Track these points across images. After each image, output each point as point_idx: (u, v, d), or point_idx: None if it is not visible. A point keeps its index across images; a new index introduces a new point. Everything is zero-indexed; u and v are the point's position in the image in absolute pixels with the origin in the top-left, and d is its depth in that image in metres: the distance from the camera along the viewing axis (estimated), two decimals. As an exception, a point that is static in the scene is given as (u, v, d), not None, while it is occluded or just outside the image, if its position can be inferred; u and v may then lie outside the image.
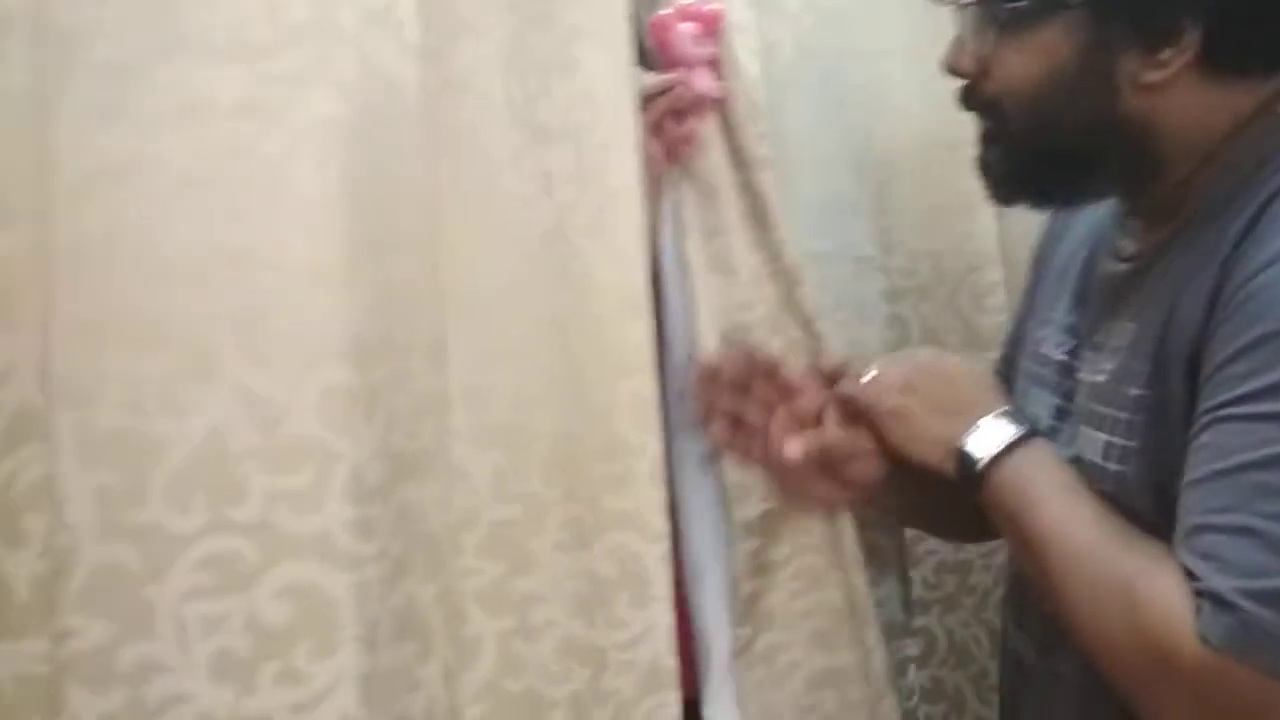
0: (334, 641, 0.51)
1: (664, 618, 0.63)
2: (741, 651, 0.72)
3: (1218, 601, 0.54)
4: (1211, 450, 0.56)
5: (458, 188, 0.62)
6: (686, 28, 0.66)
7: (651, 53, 0.67)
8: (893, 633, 0.87)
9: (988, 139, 0.69)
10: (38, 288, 0.46)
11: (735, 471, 0.73)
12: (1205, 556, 0.55)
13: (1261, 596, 0.52)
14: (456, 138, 0.62)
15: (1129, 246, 0.67)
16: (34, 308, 0.46)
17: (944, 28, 0.84)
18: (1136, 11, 0.60)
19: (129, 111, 0.48)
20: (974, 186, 0.87)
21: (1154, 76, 0.61)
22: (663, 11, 0.67)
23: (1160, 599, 0.57)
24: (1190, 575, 0.55)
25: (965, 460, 0.67)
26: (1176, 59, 0.60)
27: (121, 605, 0.48)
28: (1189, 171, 0.62)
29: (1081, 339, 0.70)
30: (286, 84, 0.51)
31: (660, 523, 0.64)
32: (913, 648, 0.88)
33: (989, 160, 0.69)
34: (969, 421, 0.68)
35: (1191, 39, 0.59)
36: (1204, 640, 0.54)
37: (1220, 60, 0.60)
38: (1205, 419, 0.57)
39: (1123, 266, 0.67)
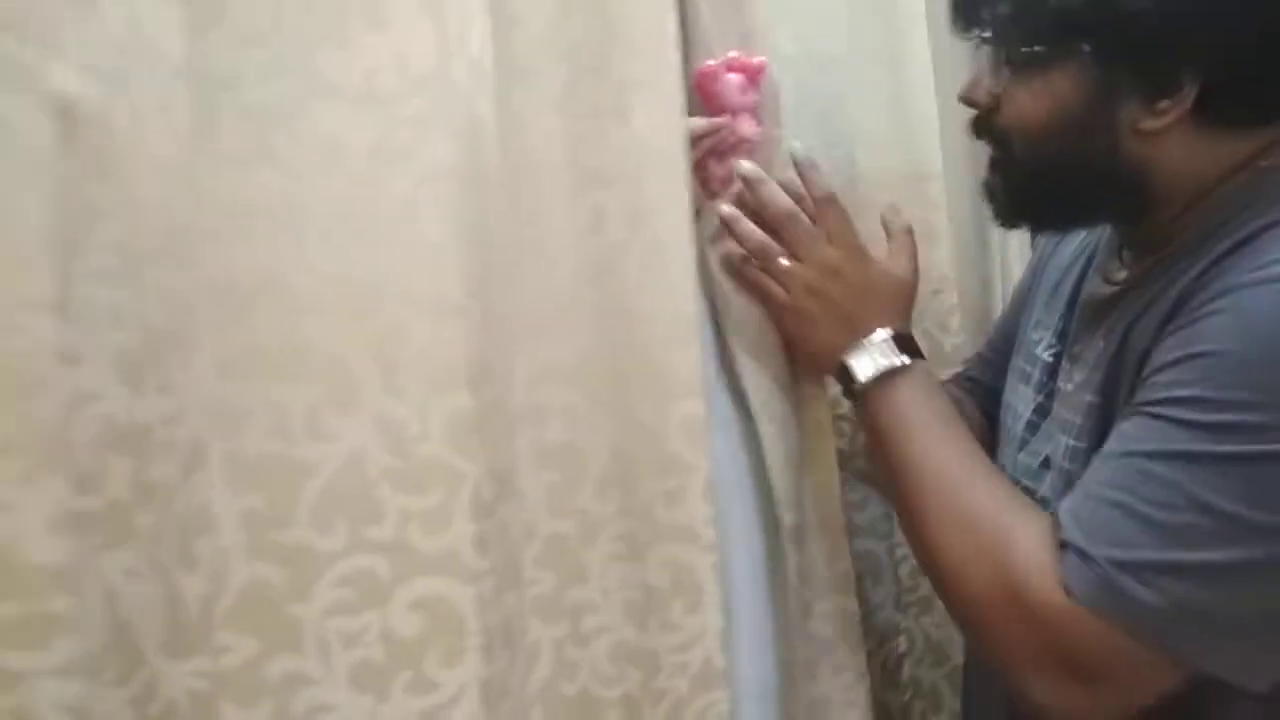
0: (460, 650, 0.54)
1: (715, 621, 0.69)
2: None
3: (1083, 557, 0.59)
4: (1118, 437, 0.62)
5: (516, 222, 0.66)
6: (733, 78, 0.72)
7: (693, 98, 0.73)
8: (889, 634, 0.95)
9: (995, 166, 0.75)
10: (199, 325, 0.48)
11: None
12: (1079, 519, 0.60)
13: (1124, 565, 0.57)
14: (516, 176, 0.66)
15: (1118, 273, 0.74)
16: (198, 344, 0.48)
17: (918, 76, 0.95)
18: (1141, 64, 0.65)
19: (274, 154, 0.51)
20: (938, 217, 0.97)
21: (1152, 124, 0.66)
22: (711, 63, 0.72)
23: (1027, 542, 0.61)
24: (1062, 529, 0.60)
25: (846, 375, 0.73)
26: (1174, 110, 0.65)
27: (269, 622, 0.50)
28: (1178, 211, 0.69)
29: (1065, 349, 0.76)
30: (412, 129, 0.54)
31: (711, 535, 0.69)
32: (903, 644, 0.96)
33: (994, 186, 0.75)
34: (859, 338, 0.73)
35: (1189, 92, 0.64)
36: (1066, 590, 0.59)
37: (1214, 114, 0.65)
38: (1126, 412, 0.63)
39: (1109, 289, 0.73)
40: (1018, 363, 0.83)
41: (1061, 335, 0.77)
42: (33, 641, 0.36)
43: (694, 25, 0.75)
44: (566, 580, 0.68)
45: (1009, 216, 0.76)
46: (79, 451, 0.39)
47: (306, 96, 0.52)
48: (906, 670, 0.96)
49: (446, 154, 0.55)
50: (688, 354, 0.69)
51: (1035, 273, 0.88)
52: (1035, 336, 0.81)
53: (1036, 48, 0.69)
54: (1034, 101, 0.70)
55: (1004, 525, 0.64)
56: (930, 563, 0.68)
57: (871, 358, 0.73)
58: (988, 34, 0.71)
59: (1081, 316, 0.76)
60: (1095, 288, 0.76)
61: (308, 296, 0.51)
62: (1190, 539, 0.57)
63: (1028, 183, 0.73)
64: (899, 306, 0.77)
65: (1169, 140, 0.67)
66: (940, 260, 0.99)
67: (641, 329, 0.70)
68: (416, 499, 0.53)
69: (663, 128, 0.69)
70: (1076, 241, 0.83)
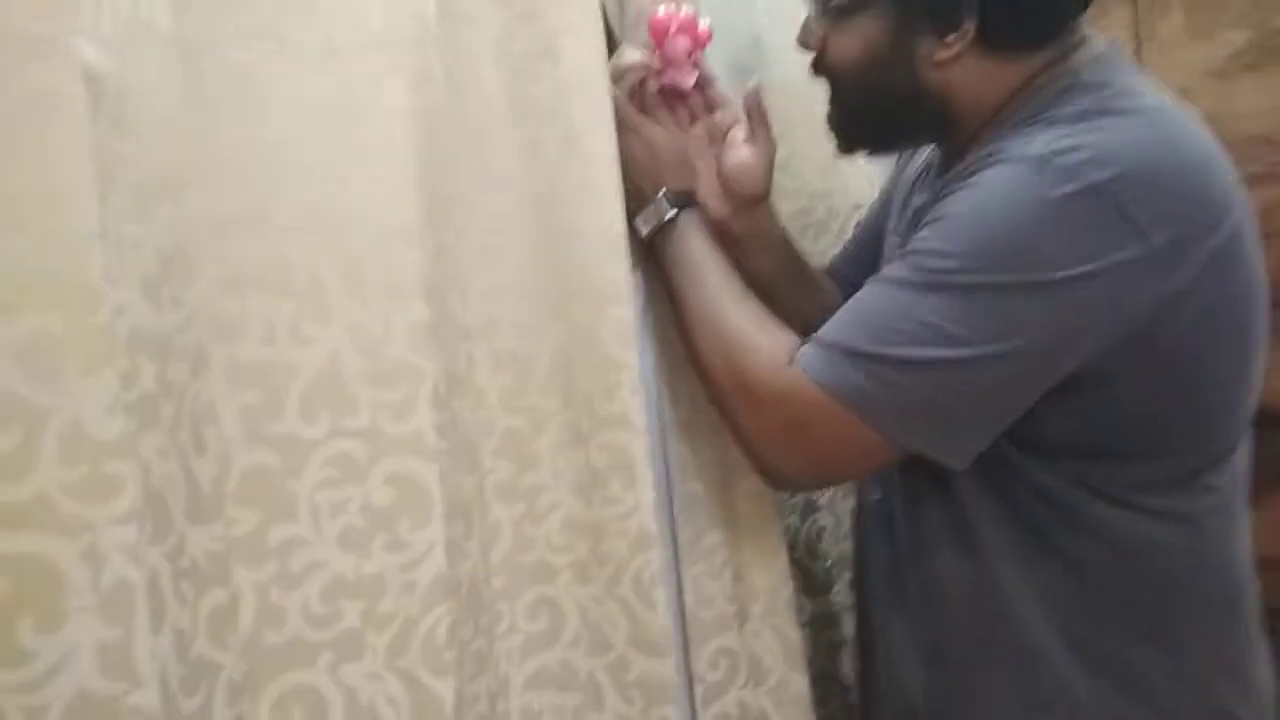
0: (427, 516, 0.65)
1: (648, 494, 0.80)
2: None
3: (817, 343, 0.76)
4: (881, 272, 0.80)
5: (464, 153, 0.76)
6: (681, 41, 0.83)
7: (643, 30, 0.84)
8: (808, 511, 1.09)
9: (830, 101, 0.88)
10: (199, 250, 0.58)
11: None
12: (829, 323, 0.77)
13: (846, 350, 0.74)
14: (463, 114, 0.76)
15: (935, 183, 0.87)
16: (200, 267, 0.58)
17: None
18: (927, 6, 0.79)
19: (252, 106, 0.60)
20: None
21: (943, 55, 0.80)
22: (661, 13, 0.82)
23: (767, 338, 0.80)
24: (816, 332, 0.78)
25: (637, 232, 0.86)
26: (959, 42, 0.79)
27: (268, 497, 0.61)
28: (975, 129, 0.82)
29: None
30: (369, 80, 0.64)
31: (641, 421, 0.80)
32: (824, 519, 1.10)
33: (831, 119, 0.89)
34: (650, 197, 0.86)
35: (969, 27, 0.78)
36: (801, 368, 0.76)
37: (992, 44, 0.79)
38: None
39: (925, 197, 0.87)
40: (885, 250, 0.96)
41: (904, 239, 0.90)
42: (98, 496, 0.47)
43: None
44: (521, 467, 0.80)
45: (845, 144, 0.90)
46: (119, 352, 0.49)
47: (278, 56, 0.61)
48: (825, 542, 1.10)
49: (400, 100, 0.65)
50: (618, 266, 0.80)
51: (893, 181, 1.01)
52: (890, 241, 0.95)
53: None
54: (848, 43, 0.83)
55: (747, 330, 0.81)
56: (697, 372, 0.85)
57: (652, 212, 0.86)
58: None
59: (912, 222, 0.88)
60: (920, 198, 0.90)
61: (286, 225, 0.61)
62: (898, 339, 0.73)
63: (854, 114, 0.87)
64: (685, 170, 0.88)
65: (959, 68, 0.81)
66: (859, 178, 1.10)
67: (578, 245, 0.80)
68: (385, 392, 0.64)
69: (589, 66, 0.79)
70: (922, 158, 0.96)
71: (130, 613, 0.49)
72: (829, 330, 0.77)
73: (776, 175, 0.91)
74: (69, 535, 0.47)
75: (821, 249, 1.11)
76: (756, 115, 0.89)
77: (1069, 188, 0.70)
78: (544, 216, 0.80)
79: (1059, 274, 0.70)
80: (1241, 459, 0.83)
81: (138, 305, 0.52)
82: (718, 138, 0.90)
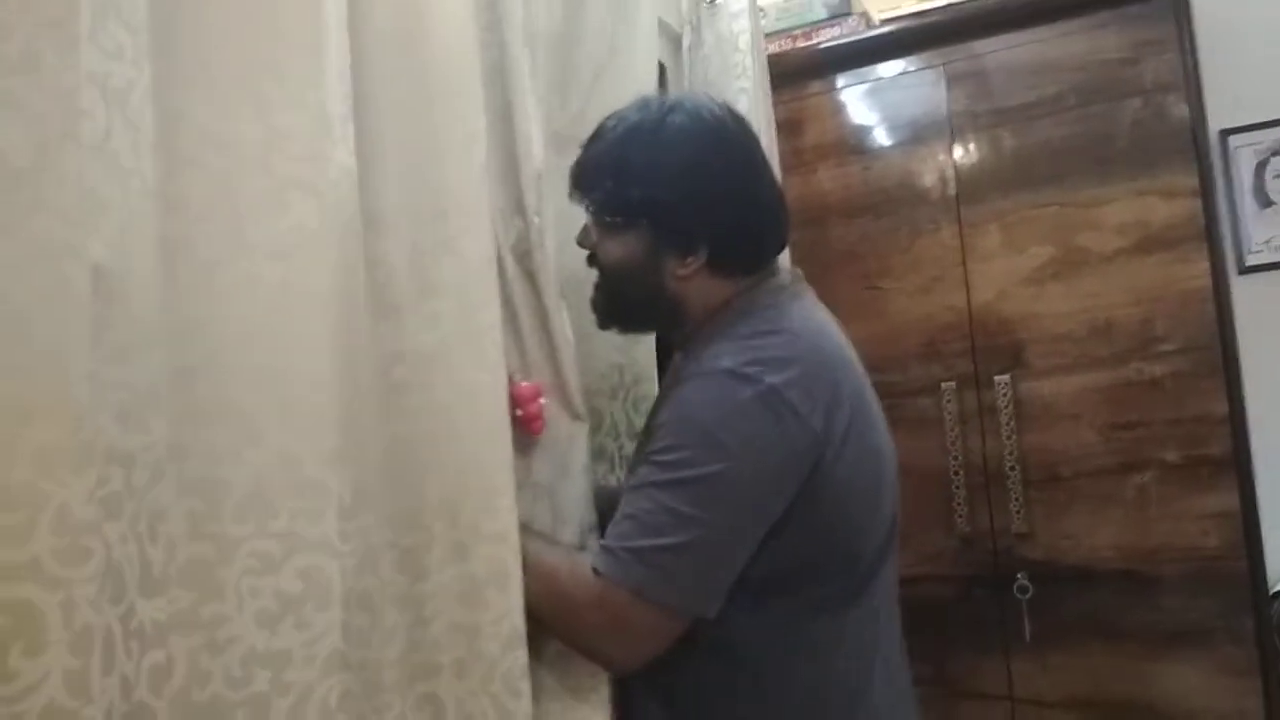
0: (328, 603, 0.83)
1: (518, 599, 0.98)
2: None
3: (607, 550, 0.98)
4: (636, 476, 1.03)
5: (370, 324, 0.98)
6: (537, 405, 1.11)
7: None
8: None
9: (596, 287, 1.16)
10: (162, 391, 0.78)
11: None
12: (610, 532, 1.00)
13: (628, 549, 0.97)
14: (377, 295, 0.98)
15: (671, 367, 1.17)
16: (162, 403, 0.78)
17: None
18: (674, 235, 1.07)
19: (213, 297, 0.82)
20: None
21: (683, 272, 1.09)
22: (525, 385, 1.11)
23: (575, 567, 1.01)
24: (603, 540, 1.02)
25: None
26: (694, 264, 1.08)
27: (202, 581, 0.79)
28: (697, 326, 1.11)
29: None
30: (306, 270, 0.86)
31: (516, 537, 0.99)
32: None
33: (595, 300, 1.16)
34: None
35: (703, 254, 1.07)
36: (596, 572, 0.98)
37: (716, 267, 1.08)
38: (641, 459, 1.04)
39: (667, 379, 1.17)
40: None
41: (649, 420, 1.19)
42: (75, 561, 0.65)
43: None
44: (412, 578, 0.98)
45: (603, 321, 1.18)
46: (98, 460, 0.68)
47: (237, 253, 0.83)
48: None
49: (326, 283, 0.87)
50: (502, 414, 1.01)
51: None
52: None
53: (615, 219, 1.11)
54: (614, 250, 1.12)
55: (558, 564, 1.03)
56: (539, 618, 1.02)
57: None
58: (588, 205, 1.13)
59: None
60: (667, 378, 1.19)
61: (232, 374, 0.82)
62: (660, 529, 0.97)
63: (611, 301, 1.16)
64: None
65: (693, 282, 1.10)
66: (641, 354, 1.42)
67: (465, 400, 1.01)
68: (301, 503, 0.83)
69: (481, 256, 1.01)
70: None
71: (90, 649, 0.66)
72: (611, 536, 1.01)
73: (583, 347, 1.18)
74: (52, 588, 0.65)
75: (613, 411, 1.38)
76: None
77: (750, 391, 0.97)
78: (437, 374, 1.01)
79: (757, 456, 0.96)
80: (880, 590, 1.08)
81: (112, 429, 0.71)
82: None
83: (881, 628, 1.10)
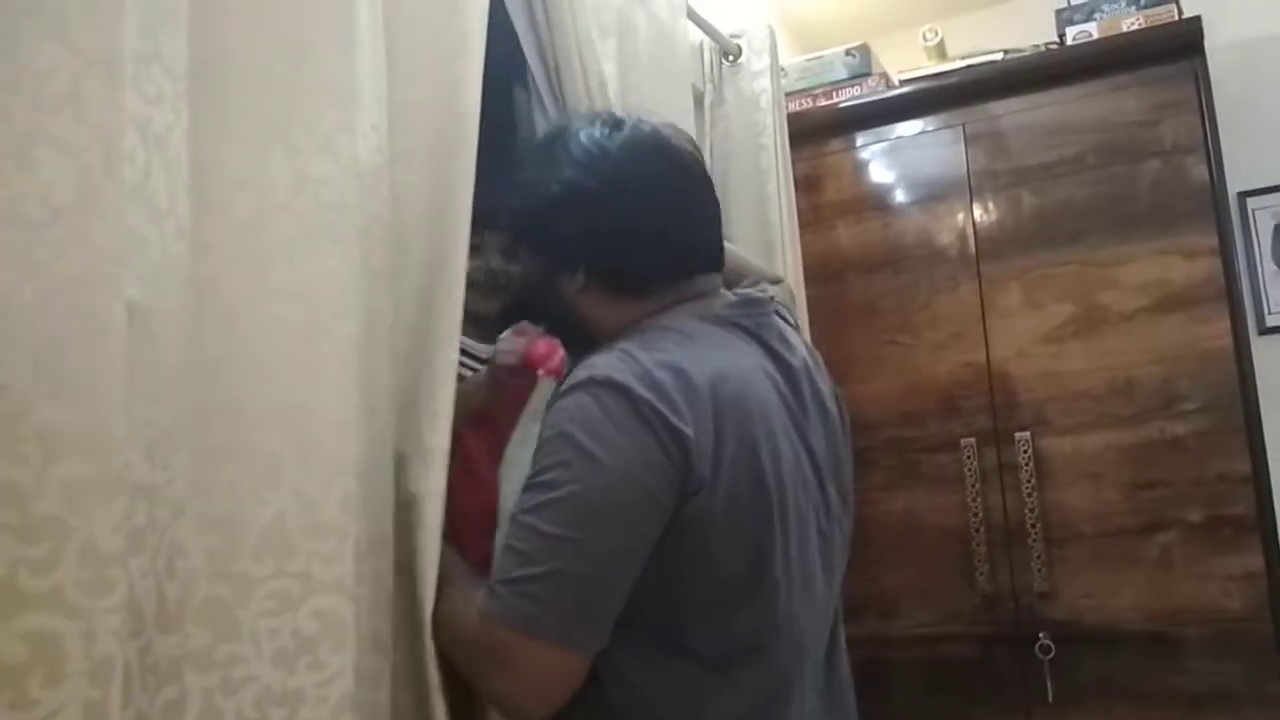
0: (343, 645, 0.83)
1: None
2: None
3: (489, 590, 0.91)
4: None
5: (387, 370, 0.99)
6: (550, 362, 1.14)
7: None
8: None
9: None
10: (186, 430, 0.79)
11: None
12: (495, 567, 0.93)
13: (505, 583, 0.89)
14: (393, 343, 1.00)
15: None
16: (185, 441, 0.79)
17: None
18: (553, 258, 1.07)
19: (238, 333, 0.84)
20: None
21: (571, 290, 1.06)
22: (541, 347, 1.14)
23: (468, 607, 0.93)
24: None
25: None
26: (578, 283, 1.05)
27: (219, 620, 0.79)
28: (609, 341, 1.03)
29: None
30: (330, 316, 0.88)
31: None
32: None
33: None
34: None
35: (581, 274, 1.04)
36: (479, 613, 0.90)
37: (608, 289, 1.05)
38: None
39: None
40: None
41: None
42: (99, 592, 0.66)
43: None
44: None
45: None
46: (125, 494, 0.69)
47: (261, 296, 0.85)
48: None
49: (350, 330, 0.89)
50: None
51: None
52: None
53: (508, 235, 1.19)
54: (520, 269, 1.19)
55: (456, 607, 0.96)
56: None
57: None
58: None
59: None
60: None
61: (254, 415, 0.83)
62: (532, 557, 0.89)
63: (529, 316, 1.20)
64: None
65: (590, 300, 1.08)
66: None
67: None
68: (318, 544, 0.84)
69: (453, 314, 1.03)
70: None
71: (110, 680, 0.66)
72: (495, 573, 0.92)
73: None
74: (74, 618, 0.66)
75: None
76: None
77: (618, 400, 0.92)
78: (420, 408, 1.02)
79: (627, 466, 0.90)
80: (765, 671, 0.98)
81: (140, 464, 0.73)
82: None
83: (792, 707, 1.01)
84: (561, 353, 1.15)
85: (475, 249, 1.17)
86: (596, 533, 0.89)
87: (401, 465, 0.97)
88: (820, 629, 1.07)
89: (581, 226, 1.04)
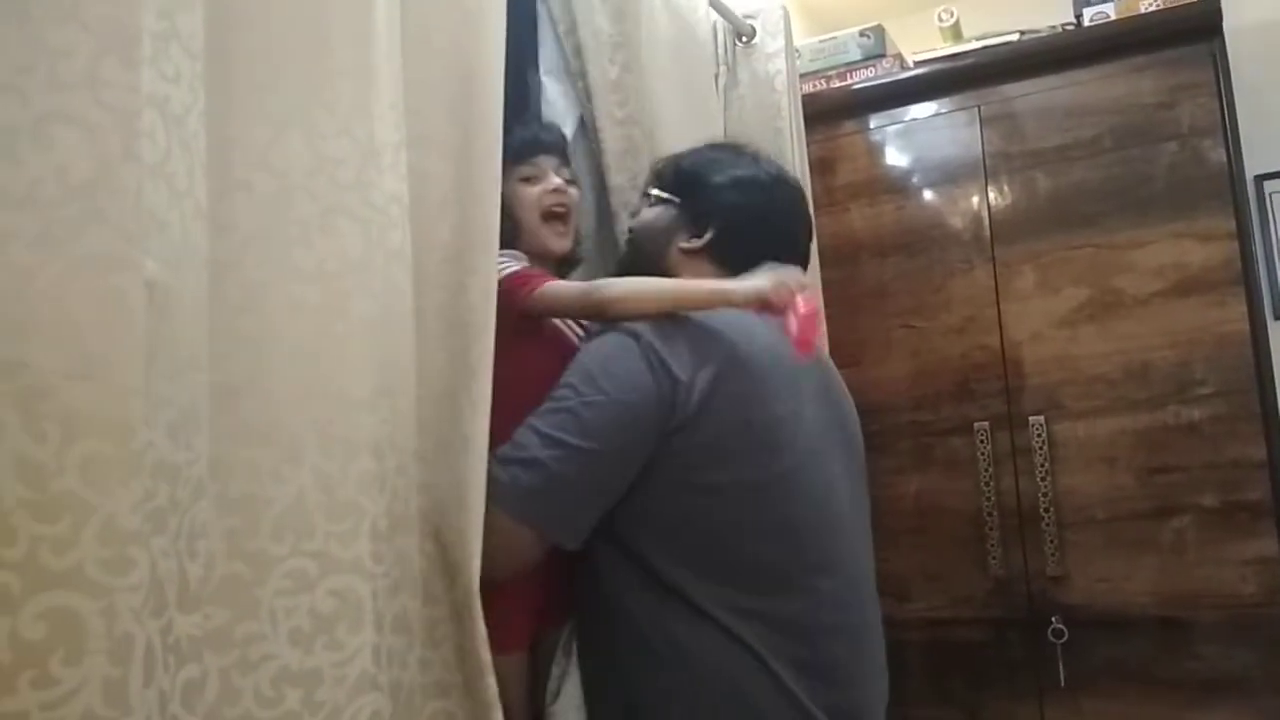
0: (360, 624, 0.83)
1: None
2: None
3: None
4: None
5: (403, 349, 0.99)
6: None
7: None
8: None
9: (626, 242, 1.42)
10: (209, 409, 0.79)
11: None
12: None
13: (497, 459, 1.03)
14: (406, 322, 1.00)
15: None
16: (207, 421, 0.79)
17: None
18: (689, 214, 1.28)
19: (259, 308, 0.84)
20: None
21: (687, 247, 1.27)
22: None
23: None
24: None
25: None
26: (697, 243, 1.27)
27: (238, 599, 0.80)
28: None
29: None
30: (345, 295, 0.87)
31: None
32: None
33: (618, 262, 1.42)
34: None
35: (708, 236, 1.26)
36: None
37: (715, 255, 1.26)
38: None
39: None
40: None
41: None
42: (119, 570, 0.66)
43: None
44: (423, 601, 0.97)
45: (617, 270, 1.38)
46: (146, 473, 0.69)
47: (282, 274, 0.85)
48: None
49: (365, 308, 0.89)
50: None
51: None
52: None
53: (657, 193, 1.34)
54: (645, 214, 1.35)
55: None
56: None
57: None
58: (647, 184, 1.37)
59: None
60: None
61: (274, 394, 0.83)
62: (525, 445, 1.06)
63: (624, 263, 1.39)
64: None
65: (692, 264, 1.27)
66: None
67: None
68: (335, 524, 0.84)
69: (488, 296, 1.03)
70: None
71: (129, 659, 0.66)
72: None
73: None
74: (94, 596, 0.66)
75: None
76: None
77: (631, 342, 1.11)
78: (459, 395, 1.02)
79: (624, 394, 1.07)
80: (786, 611, 1.09)
81: (162, 443, 0.73)
82: None
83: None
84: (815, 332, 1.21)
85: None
86: (581, 440, 1.05)
87: (441, 450, 0.99)
88: (857, 587, 1.19)
89: (730, 191, 1.26)
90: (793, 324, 1.15)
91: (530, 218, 1.30)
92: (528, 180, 1.31)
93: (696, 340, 1.11)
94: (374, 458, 0.87)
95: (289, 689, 0.81)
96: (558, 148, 1.36)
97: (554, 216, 1.31)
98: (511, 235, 1.24)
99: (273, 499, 0.82)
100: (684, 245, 1.27)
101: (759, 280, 1.17)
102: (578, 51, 1.53)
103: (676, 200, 1.30)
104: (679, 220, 1.28)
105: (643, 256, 1.31)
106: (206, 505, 0.79)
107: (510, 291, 1.15)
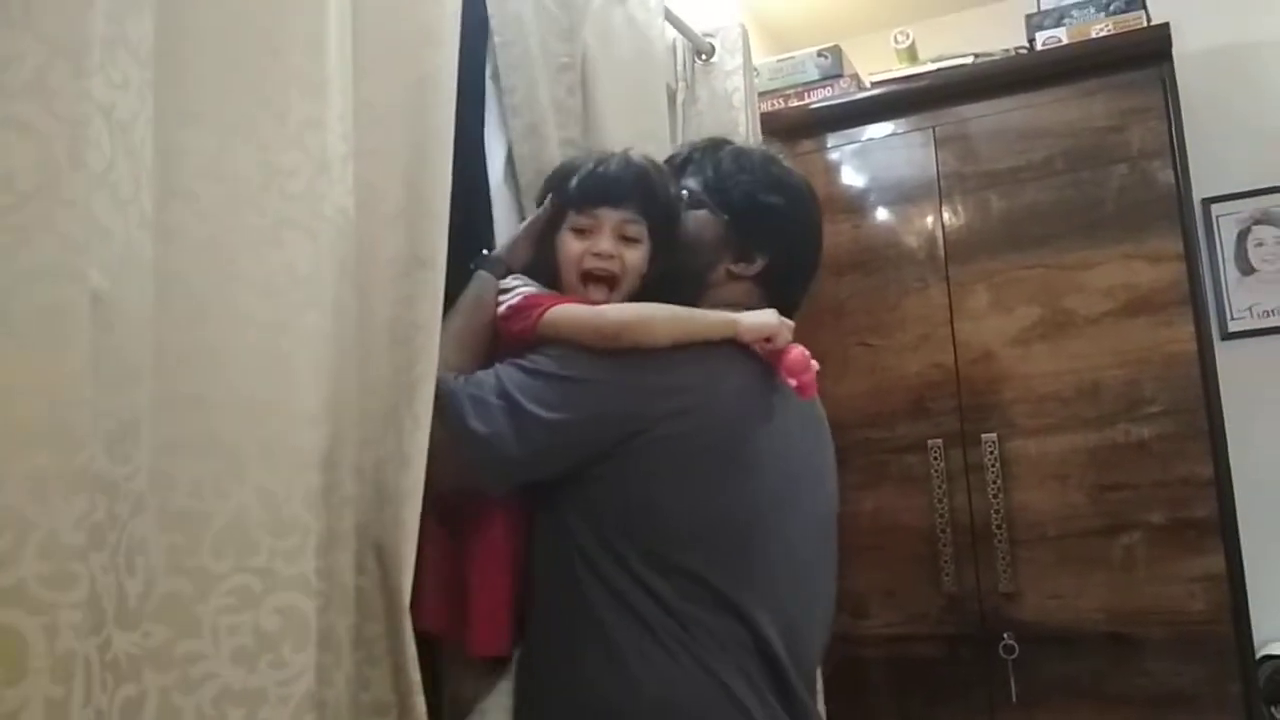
0: (305, 642, 0.82)
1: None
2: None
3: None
4: None
5: (353, 365, 0.98)
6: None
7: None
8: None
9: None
10: (148, 422, 0.78)
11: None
12: None
13: (466, 380, 1.06)
14: (358, 337, 0.99)
15: None
16: (146, 434, 0.78)
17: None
18: (745, 231, 1.22)
19: (205, 319, 0.82)
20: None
21: (736, 270, 1.23)
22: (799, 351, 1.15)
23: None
24: None
25: None
26: (747, 270, 1.22)
27: (179, 617, 0.78)
28: None
29: None
30: (296, 310, 0.86)
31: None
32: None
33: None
34: None
35: (759, 264, 1.22)
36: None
37: (765, 284, 1.23)
38: None
39: None
40: None
41: None
42: (61, 586, 0.64)
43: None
44: (362, 618, 0.96)
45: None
46: (87, 487, 0.67)
47: (229, 288, 0.83)
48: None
49: (316, 323, 0.87)
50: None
51: None
52: None
53: (705, 200, 1.25)
54: (689, 223, 1.24)
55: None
56: None
57: None
58: (686, 184, 1.27)
59: None
60: None
61: (217, 409, 0.82)
62: (481, 384, 1.06)
63: (665, 257, 1.24)
64: None
65: (734, 290, 1.23)
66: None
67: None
68: (280, 540, 0.82)
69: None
70: None
71: (71, 677, 0.65)
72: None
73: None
74: (35, 613, 0.64)
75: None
76: None
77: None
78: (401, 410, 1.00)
79: (596, 389, 1.07)
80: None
81: (101, 458, 0.71)
82: None
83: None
84: (815, 368, 1.16)
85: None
86: (538, 410, 1.04)
87: (380, 466, 0.97)
88: (812, 612, 1.18)
89: (787, 229, 1.23)
90: (792, 364, 1.14)
91: (569, 275, 1.18)
92: (579, 233, 1.18)
93: (681, 364, 1.09)
94: (319, 472, 0.86)
95: (231, 709, 0.79)
96: (629, 197, 1.18)
97: (595, 280, 1.18)
98: (550, 281, 1.19)
99: (214, 514, 0.81)
100: (732, 268, 1.23)
101: (766, 316, 1.15)
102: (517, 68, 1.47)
103: (725, 218, 1.23)
104: (726, 239, 1.22)
105: (687, 271, 1.22)
106: (146, 520, 0.77)
107: (518, 316, 1.12)
